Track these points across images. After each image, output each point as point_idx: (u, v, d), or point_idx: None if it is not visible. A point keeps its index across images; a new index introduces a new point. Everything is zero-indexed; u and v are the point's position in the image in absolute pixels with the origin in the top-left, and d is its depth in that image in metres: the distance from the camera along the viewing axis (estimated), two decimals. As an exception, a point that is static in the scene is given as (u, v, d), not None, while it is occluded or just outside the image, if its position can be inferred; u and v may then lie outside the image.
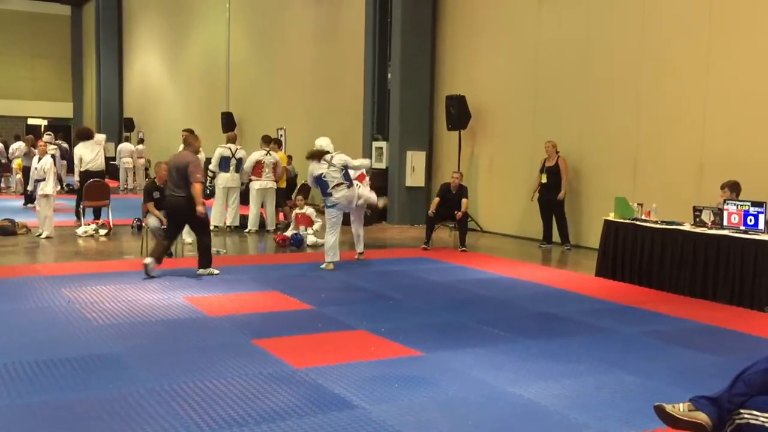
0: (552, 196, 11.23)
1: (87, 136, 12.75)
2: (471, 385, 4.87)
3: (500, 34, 13.10)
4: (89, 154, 12.43)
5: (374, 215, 14.34)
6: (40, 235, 11.40)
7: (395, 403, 4.50)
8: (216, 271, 8.58)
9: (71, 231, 12.11)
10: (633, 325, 6.64)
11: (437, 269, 9.39)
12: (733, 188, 8.04)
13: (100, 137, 12.80)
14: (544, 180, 11.34)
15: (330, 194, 9.09)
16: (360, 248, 9.96)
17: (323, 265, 9.12)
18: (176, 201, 8.40)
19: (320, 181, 9.14)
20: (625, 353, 5.73)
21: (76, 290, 7.53)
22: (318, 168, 9.14)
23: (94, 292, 7.49)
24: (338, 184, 9.06)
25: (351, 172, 9.33)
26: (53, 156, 16.24)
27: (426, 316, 6.90)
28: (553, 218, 11.39)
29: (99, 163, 12.59)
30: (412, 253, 10.81)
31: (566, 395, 4.72)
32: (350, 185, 9.21)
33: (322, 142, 9.29)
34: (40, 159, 11.72)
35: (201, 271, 8.52)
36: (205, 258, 8.54)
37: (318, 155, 9.15)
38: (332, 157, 9.13)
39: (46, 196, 11.35)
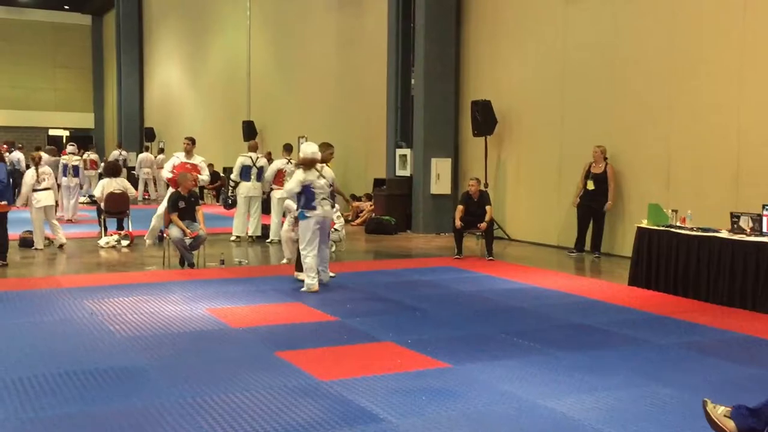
0: (596, 205, 10.92)
1: (115, 172, 12.73)
2: (501, 398, 4.77)
3: (526, 36, 12.95)
4: (108, 188, 12.33)
5: (399, 224, 14.22)
6: (60, 245, 11.46)
7: (423, 417, 4.42)
8: (331, 274, 8.75)
9: (93, 242, 12.12)
10: (668, 336, 6.46)
11: (464, 279, 9.26)
12: None
13: (123, 182, 12.71)
14: (591, 187, 10.97)
15: (314, 207, 8.24)
16: (326, 269, 8.62)
17: (303, 288, 8.18)
18: None
19: (308, 190, 8.28)
20: (660, 365, 5.58)
21: (99, 302, 7.51)
22: (309, 175, 8.31)
23: (117, 303, 7.47)
24: (324, 198, 8.32)
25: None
26: (76, 167, 16.37)
27: (454, 327, 6.78)
28: (590, 226, 11.12)
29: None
30: (438, 262, 10.67)
31: (599, 408, 4.60)
32: (333, 204, 8.74)
33: (314, 149, 8.41)
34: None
35: (298, 273, 8.71)
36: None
37: (313, 163, 8.34)
38: (323, 167, 8.46)
39: (43, 207, 11.41)
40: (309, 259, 8.17)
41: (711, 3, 9.90)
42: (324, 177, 8.33)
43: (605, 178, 10.91)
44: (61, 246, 11.51)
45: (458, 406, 4.60)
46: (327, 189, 8.31)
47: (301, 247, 8.35)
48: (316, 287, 8.10)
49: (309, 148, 8.34)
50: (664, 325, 6.94)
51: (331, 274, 8.68)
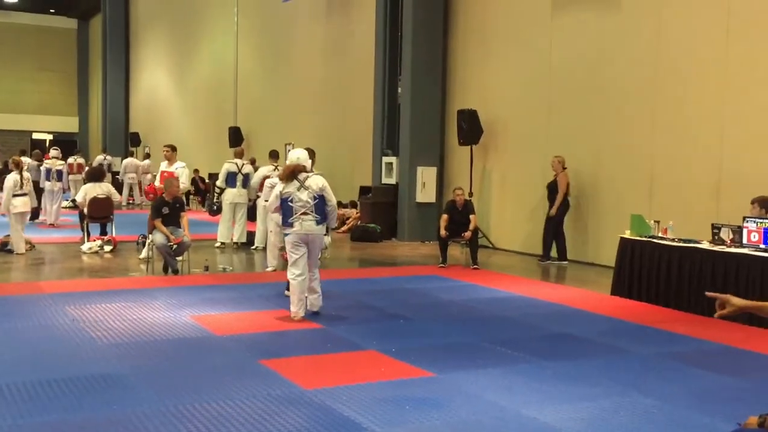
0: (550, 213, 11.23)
1: (98, 177, 12.67)
2: (484, 408, 4.78)
3: (513, 47, 13.02)
4: (91, 193, 12.25)
5: (384, 232, 14.22)
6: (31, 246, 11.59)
7: (406, 426, 4.42)
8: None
9: (76, 247, 12.03)
10: (650, 346, 6.50)
11: (449, 287, 9.26)
12: (764, 203, 7.83)
13: (108, 186, 12.66)
14: (546, 195, 11.31)
15: (291, 224, 7.18)
16: (320, 301, 7.45)
17: (292, 315, 7.21)
18: None
19: (285, 204, 7.22)
20: (642, 375, 5.61)
21: (81, 308, 7.45)
22: (288, 187, 7.23)
23: (99, 310, 7.41)
24: (305, 213, 7.19)
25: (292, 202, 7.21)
26: (60, 171, 16.23)
27: (438, 335, 6.78)
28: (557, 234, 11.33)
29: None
30: (423, 270, 10.68)
31: (582, 418, 4.63)
32: (321, 221, 7.25)
33: (300, 155, 7.30)
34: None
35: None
36: None
37: (294, 172, 7.22)
38: (306, 177, 7.24)
39: (21, 213, 11.36)
40: (292, 281, 7.25)
41: (696, 17, 10.00)
42: (307, 189, 7.16)
43: (554, 187, 11.13)
44: (32, 247, 11.56)
45: (442, 416, 4.60)
46: (310, 203, 7.16)
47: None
48: (299, 316, 7.15)
49: (293, 155, 7.37)
50: (645, 334, 6.98)
51: (319, 303, 7.51)
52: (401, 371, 5.54)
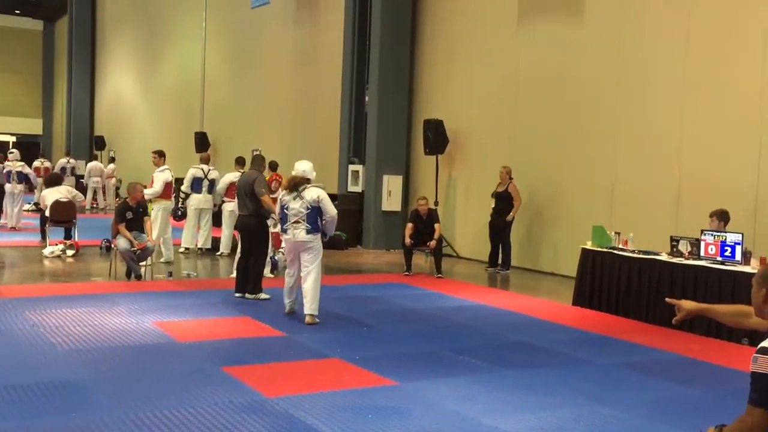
0: (499, 221, 11.42)
1: (56, 182, 12.53)
2: (446, 417, 4.81)
3: (479, 58, 13.16)
4: (51, 197, 12.07)
5: (350, 239, 14.22)
6: None
7: (368, 435, 4.42)
8: (265, 296, 8.48)
9: (37, 251, 11.84)
10: (610, 356, 6.60)
11: (413, 296, 9.31)
12: (722, 217, 8.00)
13: (68, 189, 12.53)
14: (493, 205, 11.54)
15: (285, 230, 7.57)
16: (310, 308, 7.43)
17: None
18: (245, 221, 8.57)
19: (282, 212, 7.62)
20: (601, 385, 5.70)
21: (41, 313, 7.33)
22: (286, 196, 7.60)
23: (60, 315, 7.31)
24: (297, 222, 7.46)
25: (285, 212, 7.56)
26: (20, 173, 15.92)
27: (401, 344, 6.81)
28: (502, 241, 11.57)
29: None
30: (387, 278, 10.71)
31: (542, 428, 4.68)
32: (313, 230, 7.47)
33: (305, 167, 7.62)
34: None
35: (249, 295, 8.48)
36: (255, 283, 8.50)
37: (299, 183, 7.55)
38: (304, 188, 7.53)
39: None
40: (285, 278, 7.87)
41: (656, 32, 10.19)
42: (302, 199, 7.42)
43: (505, 196, 11.42)
44: None
45: (404, 424, 4.62)
46: (303, 212, 7.39)
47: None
48: (286, 310, 7.74)
49: (299, 166, 7.62)
50: (606, 344, 7.09)
51: (311, 321, 7.41)
52: (364, 379, 5.56)
